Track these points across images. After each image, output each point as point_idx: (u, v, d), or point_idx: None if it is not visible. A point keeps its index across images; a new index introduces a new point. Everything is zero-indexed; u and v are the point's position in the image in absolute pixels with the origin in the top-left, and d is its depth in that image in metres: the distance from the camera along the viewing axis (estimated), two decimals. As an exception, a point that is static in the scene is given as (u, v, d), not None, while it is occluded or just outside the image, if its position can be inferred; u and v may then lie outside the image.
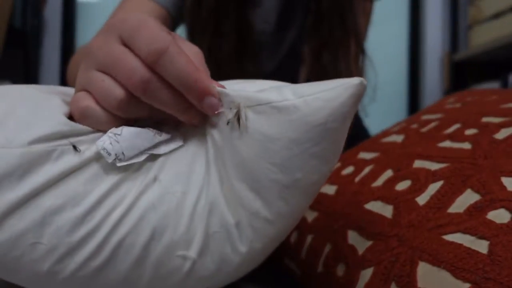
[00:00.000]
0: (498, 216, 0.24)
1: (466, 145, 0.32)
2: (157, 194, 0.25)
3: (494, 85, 1.59)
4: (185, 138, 0.27)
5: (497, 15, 1.57)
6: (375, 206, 0.33)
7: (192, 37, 0.67)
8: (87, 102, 0.26)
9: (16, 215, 0.23)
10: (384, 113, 1.78)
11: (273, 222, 0.26)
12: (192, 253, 0.26)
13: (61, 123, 0.25)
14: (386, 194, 0.33)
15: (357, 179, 0.39)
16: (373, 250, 0.29)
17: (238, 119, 0.25)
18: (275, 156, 0.24)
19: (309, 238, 0.38)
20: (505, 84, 1.53)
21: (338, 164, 0.45)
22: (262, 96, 0.24)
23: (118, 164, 0.25)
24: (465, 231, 0.24)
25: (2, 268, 0.24)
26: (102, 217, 0.24)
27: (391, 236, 0.29)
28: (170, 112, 0.26)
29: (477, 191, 0.27)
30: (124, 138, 0.25)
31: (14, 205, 0.23)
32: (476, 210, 0.25)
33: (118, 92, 0.25)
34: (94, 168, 0.25)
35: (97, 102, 0.26)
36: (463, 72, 1.84)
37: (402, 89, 2.05)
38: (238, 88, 0.27)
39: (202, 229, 0.26)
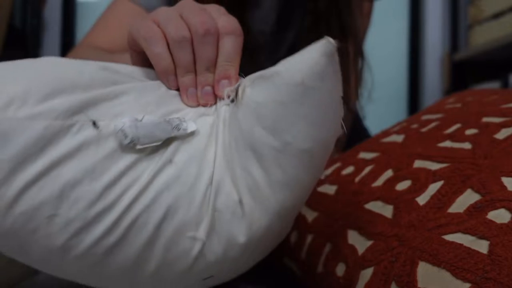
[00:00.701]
0: (498, 216, 0.24)
1: (466, 145, 0.32)
2: (172, 175, 0.26)
3: (494, 85, 1.59)
4: (198, 126, 0.29)
5: (497, 15, 1.57)
6: (375, 206, 0.33)
7: None
8: (156, 29, 0.30)
9: (35, 187, 0.24)
10: (384, 113, 1.78)
11: (273, 193, 0.27)
12: (201, 234, 0.27)
13: (82, 95, 0.26)
14: (386, 194, 0.33)
15: (357, 179, 0.39)
16: (373, 250, 0.29)
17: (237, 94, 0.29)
18: (265, 120, 0.26)
19: (309, 238, 0.38)
20: (505, 84, 1.53)
21: (338, 164, 0.45)
22: (257, 73, 0.28)
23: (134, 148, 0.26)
24: (465, 231, 0.24)
25: (16, 242, 0.25)
26: (118, 195, 0.25)
27: (391, 236, 0.29)
28: (199, 66, 0.30)
29: (477, 191, 0.27)
30: (144, 125, 0.26)
31: (35, 177, 0.24)
32: (476, 210, 0.25)
33: (183, 30, 0.29)
34: (112, 144, 0.26)
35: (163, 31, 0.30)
36: (463, 72, 1.84)
37: (402, 89, 2.05)
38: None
39: (210, 210, 0.27)
